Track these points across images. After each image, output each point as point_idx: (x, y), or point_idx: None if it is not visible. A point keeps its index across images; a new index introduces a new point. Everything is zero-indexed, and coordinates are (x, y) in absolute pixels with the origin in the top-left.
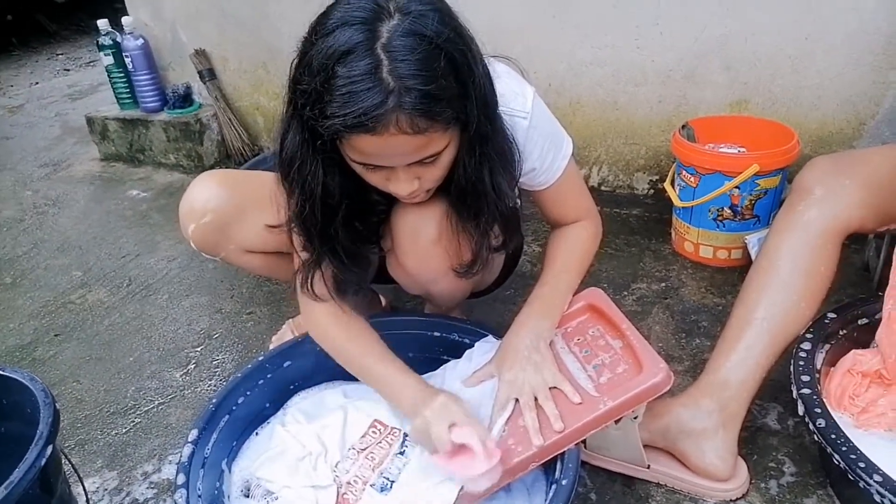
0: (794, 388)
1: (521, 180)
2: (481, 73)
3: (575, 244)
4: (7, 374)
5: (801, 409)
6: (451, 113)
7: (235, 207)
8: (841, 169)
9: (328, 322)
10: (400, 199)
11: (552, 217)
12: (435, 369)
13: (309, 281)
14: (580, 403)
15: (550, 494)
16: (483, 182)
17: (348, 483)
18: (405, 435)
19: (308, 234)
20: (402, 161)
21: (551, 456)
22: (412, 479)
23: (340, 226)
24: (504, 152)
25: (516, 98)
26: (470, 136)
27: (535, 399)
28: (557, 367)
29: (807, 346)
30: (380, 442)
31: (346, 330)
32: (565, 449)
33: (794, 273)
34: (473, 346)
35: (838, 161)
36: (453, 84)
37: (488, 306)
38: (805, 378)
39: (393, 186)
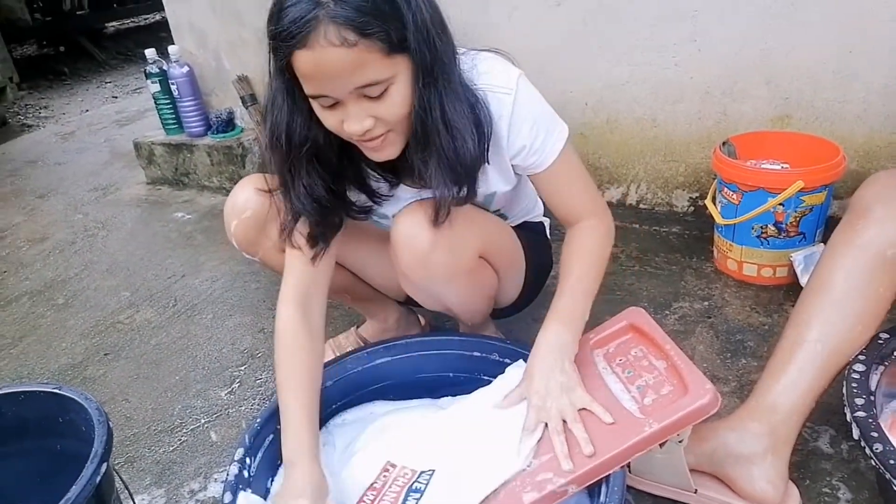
0: (848, 411)
1: (514, 161)
2: (420, 3)
3: (588, 249)
4: (64, 392)
5: (856, 433)
6: (382, 33)
7: (273, 205)
8: None
9: (285, 316)
10: (362, 147)
11: (559, 211)
12: (472, 390)
13: (286, 228)
14: (614, 424)
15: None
16: (431, 115)
17: None
18: (420, 472)
19: (277, 164)
20: (344, 86)
21: (595, 480)
22: None
23: (306, 166)
24: (459, 96)
25: (499, 76)
26: (416, 69)
27: (565, 422)
28: (596, 386)
29: (860, 367)
30: (391, 485)
31: (290, 335)
32: (610, 472)
33: (850, 294)
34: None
35: None
36: (385, 4)
37: (527, 325)
38: (860, 401)
39: (346, 124)
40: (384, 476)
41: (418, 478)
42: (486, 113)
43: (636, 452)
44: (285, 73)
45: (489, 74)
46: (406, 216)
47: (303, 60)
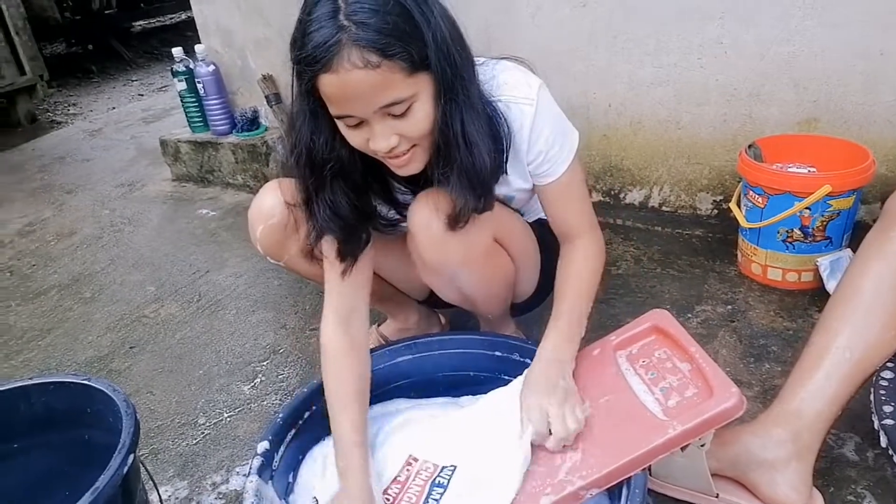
0: (875, 419)
1: (529, 167)
2: (438, 19)
3: (585, 270)
4: (92, 384)
5: (883, 441)
6: (404, 53)
7: (297, 213)
8: None
9: (329, 333)
10: (388, 163)
11: (558, 223)
12: (492, 389)
13: (313, 244)
14: (637, 425)
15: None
16: (452, 130)
17: None
18: (442, 467)
19: (300, 184)
20: (368, 106)
21: (616, 482)
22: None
23: (329, 185)
24: (478, 111)
25: (520, 87)
26: (438, 85)
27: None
28: (619, 387)
29: (889, 374)
30: (414, 478)
31: (337, 352)
32: (632, 474)
33: (879, 301)
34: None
35: None
36: (406, 25)
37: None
38: (888, 408)
39: (372, 144)
40: (407, 469)
41: (440, 472)
42: (505, 126)
43: (658, 455)
44: (310, 96)
45: (509, 86)
46: (421, 203)
47: (327, 83)
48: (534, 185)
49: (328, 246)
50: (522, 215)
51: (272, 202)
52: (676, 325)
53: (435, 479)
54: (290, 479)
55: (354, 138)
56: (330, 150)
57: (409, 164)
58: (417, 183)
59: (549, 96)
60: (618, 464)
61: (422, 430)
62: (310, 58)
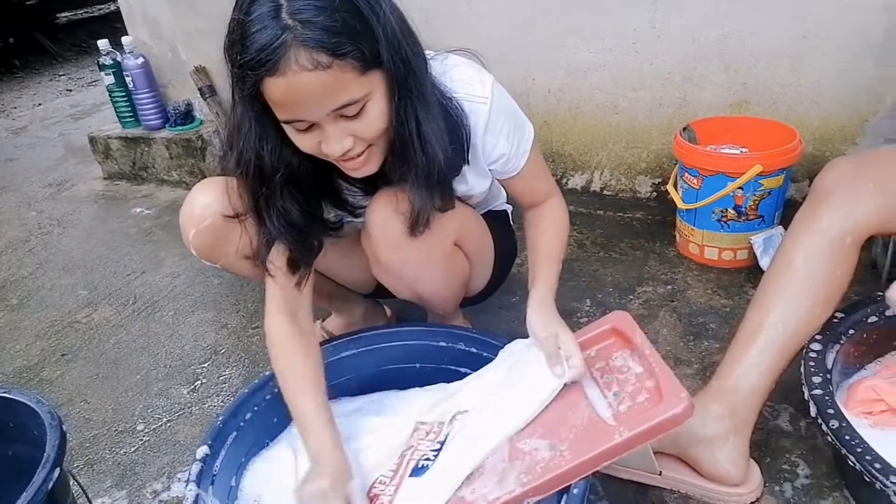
0: (805, 390)
1: (494, 167)
2: (388, 14)
3: (556, 223)
4: (13, 396)
5: (813, 411)
6: (356, 52)
7: (242, 224)
8: (862, 172)
9: (274, 328)
10: (341, 166)
11: (524, 199)
12: (442, 380)
13: (258, 256)
14: (584, 430)
15: (563, 503)
16: (407, 128)
17: (380, 482)
18: (453, 416)
19: (248, 194)
20: (320, 109)
21: (560, 487)
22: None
23: (279, 193)
24: (431, 106)
25: (474, 85)
26: (391, 83)
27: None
28: (572, 390)
29: (817, 346)
30: (423, 439)
31: (285, 340)
32: (575, 481)
33: (810, 277)
34: (484, 354)
35: (859, 163)
36: (355, 21)
37: (493, 314)
38: (816, 379)
39: (325, 148)
40: (416, 433)
41: (452, 419)
42: (463, 120)
43: (604, 461)
44: (254, 101)
45: (462, 83)
46: (380, 204)
47: (274, 88)
48: (493, 178)
49: (277, 255)
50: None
51: (203, 204)
52: (635, 328)
53: (448, 429)
54: (233, 483)
55: (305, 143)
56: (279, 158)
57: (365, 167)
58: (369, 182)
59: (502, 92)
60: (560, 470)
61: (422, 401)
62: (253, 61)
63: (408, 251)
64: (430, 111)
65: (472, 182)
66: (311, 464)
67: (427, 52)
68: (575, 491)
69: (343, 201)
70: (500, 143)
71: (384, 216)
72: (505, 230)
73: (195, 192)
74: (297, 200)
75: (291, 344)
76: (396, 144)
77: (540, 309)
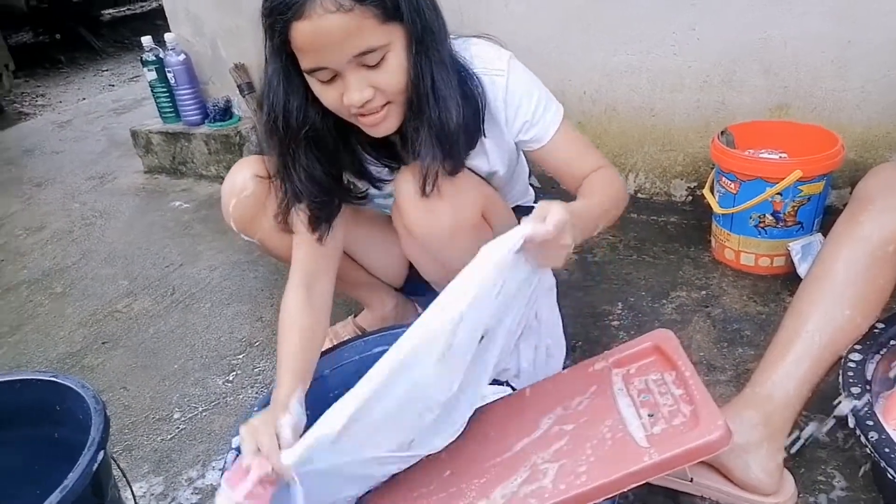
0: (843, 400)
1: (519, 138)
2: None
3: (603, 184)
4: (60, 381)
5: (851, 422)
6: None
7: (272, 184)
8: None
9: (289, 296)
10: (361, 123)
11: (569, 177)
12: None
13: (281, 213)
14: (613, 450)
15: None
16: (422, 84)
17: None
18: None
19: (275, 149)
20: (341, 55)
21: None
22: None
23: (304, 149)
24: (448, 68)
25: (491, 59)
26: (410, 39)
27: None
28: (606, 406)
29: (857, 356)
30: None
31: (293, 311)
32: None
33: (850, 285)
34: None
35: None
36: None
37: None
38: (856, 389)
39: (347, 97)
40: None
41: None
42: (480, 88)
43: (631, 483)
44: (282, 53)
45: (481, 58)
46: (407, 174)
47: (300, 31)
48: (534, 154)
49: (300, 216)
50: None
51: (244, 176)
52: (678, 348)
53: None
54: None
55: (328, 95)
56: (304, 114)
57: (383, 123)
58: (391, 156)
59: (520, 65)
60: (582, 490)
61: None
62: (281, 5)
63: (437, 216)
64: (445, 72)
65: (493, 159)
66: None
67: (451, 34)
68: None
69: (364, 170)
70: (522, 109)
71: (411, 185)
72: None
73: (235, 168)
74: (318, 160)
75: (295, 318)
76: (414, 102)
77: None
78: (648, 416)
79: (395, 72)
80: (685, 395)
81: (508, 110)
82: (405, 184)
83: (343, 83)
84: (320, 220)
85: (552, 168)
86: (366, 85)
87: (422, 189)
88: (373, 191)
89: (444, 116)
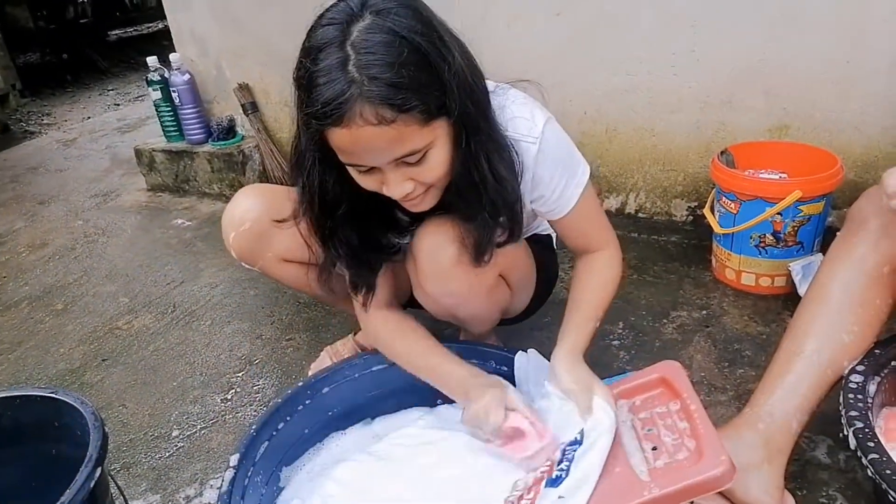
0: (844, 421)
1: (532, 206)
2: (459, 62)
3: (601, 282)
4: (59, 397)
5: (852, 444)
6: (421, 105)
7: (272, 216)
8: None
9: (377, 325)
10: (403, 204)
11: (571, 244)
12: None
13: (323, 276)
14: (613, 483)
15: None
16: (480, 170)
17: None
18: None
19: (313, 228)
20: (382, 158)
21: None
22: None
23: (341, 224)
24: (501, 145)
25: (525, 123)
26: (460, 129)
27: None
28: (615, 442)
29: (857, 378)
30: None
31: (394, 331)
32: None
33: (846, 306)
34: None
35: None
36: (422, 74)
37: (525, 334)
38: (856, 411)
39: (387, 189)
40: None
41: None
42: (516, 154)
43: None
44: (318, 141)
45: (515, 121)
46: (431, 230)
47: (339, 136)
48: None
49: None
50: None
51: (244, 208)
52: (685, 380)
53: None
54: (263, 492)
55: (366, 182)
56: (341, 191)
57: (423, 203)
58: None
59: (554, 132)
60: None
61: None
62: (318, 112)
63: (454, 283)
64: (499, 149)
65: None
66: (476, 395)
67: (488, 82)
68: None
69: (395, 221)
70: (543, 183)
71: (433, 244)
72: (548, 254)
73: (236, 198)
74: (355, 230)
75: (397, 323)
76: (462, 184)
77: (568, 361)
78: (652, 449)
79: (436, 166)
80: (690, 428)
81: (533, 179)
82: (426, 242)
83: (382, 175)
84: (359, 285)
85: (560, 231)
86: (405, 179)
87: (475, 260)
88: (404, 240)
89: (507, 194)
